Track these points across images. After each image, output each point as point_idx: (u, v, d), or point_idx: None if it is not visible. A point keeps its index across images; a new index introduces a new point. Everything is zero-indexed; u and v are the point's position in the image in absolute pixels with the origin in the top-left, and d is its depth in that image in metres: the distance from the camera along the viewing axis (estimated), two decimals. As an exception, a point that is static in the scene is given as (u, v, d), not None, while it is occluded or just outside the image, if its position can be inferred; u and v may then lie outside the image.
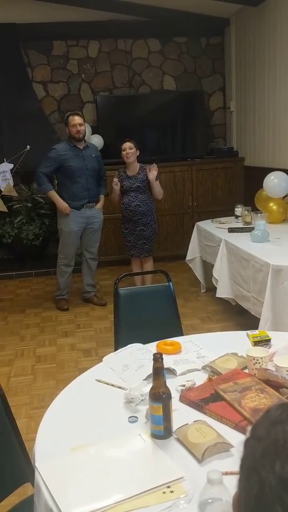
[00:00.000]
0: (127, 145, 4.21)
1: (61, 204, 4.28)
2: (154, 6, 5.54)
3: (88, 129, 5.25)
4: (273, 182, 4.16)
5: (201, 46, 6.36)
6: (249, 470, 0.62)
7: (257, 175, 4.68)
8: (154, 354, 1.24)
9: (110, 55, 6.17)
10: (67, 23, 5.74)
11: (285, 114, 4.83)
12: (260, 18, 5.20)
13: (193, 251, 4.65)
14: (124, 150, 4.21)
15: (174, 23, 5.93)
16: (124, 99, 6.13)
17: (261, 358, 1.52)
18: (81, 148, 4.31)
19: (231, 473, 1.10)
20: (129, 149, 4.21)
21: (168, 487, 1.05)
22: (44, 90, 6.13)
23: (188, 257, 4.70)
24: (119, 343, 2.13)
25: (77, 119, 4.20)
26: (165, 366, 1.58)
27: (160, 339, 1.85)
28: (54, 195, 4.30)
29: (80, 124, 4.20)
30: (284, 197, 4.25)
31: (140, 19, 5.81)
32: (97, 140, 5.52)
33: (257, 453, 0.62)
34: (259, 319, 2.97)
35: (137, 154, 4.27)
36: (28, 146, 4.67)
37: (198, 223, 4.67)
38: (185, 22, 5.93)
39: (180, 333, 2.21)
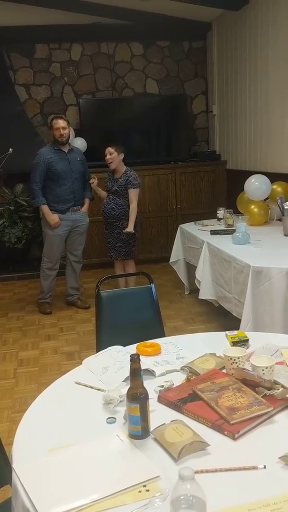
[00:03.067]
0: (108, 150, 4.25)
1: (51, 218, 4.26)
2: (137, 10, 5.58)
3: (71, 132, 5.25)
4: (254, 185, 4.21)
5: (184, 50, 6.42)
6: None
7: (239, 178, 4.73)
8: (131, 355, 1.26)
9: (93, 58, 6.19)
10: (50, 26, 5.74)
11: (265, 118, 4.90)
12: (241, 22, 5.26)
13: (177, 253, 4.68)
14: (105, 156, 4.25)
15: (156, 27, 5.97)
16: (107, 102, 6.15)
17: (238, 358, 1.54)
18: (66, 151, 4.31)
19: (207, 471, 1.12)
20: (109, 154, 4.24)
21: (144, 486, 1.07)
22: (27, 93, 6.12)
23: (171, 259, 4.73)
24: (101, 346, 2.13)
25: (60, 123, 4.19)
26: (145, 367, 1.60)
27: (142, 341, 1.87)
28: (45, 208, 4.27)
29: (64, 128, 4.20)
30: (265, 199, 4.30)
31: (122, 22, 5.84)
32: (80, 143, 5.52)
33: None
34: (241, 320, 3.00)
35: (121, 158, 4.28)
36: (10, 149, 4.68)
37: (181, 225, 4.70)
38: (168, 26, 5.98)
39: (162, 335, 2.23)
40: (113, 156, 4.23)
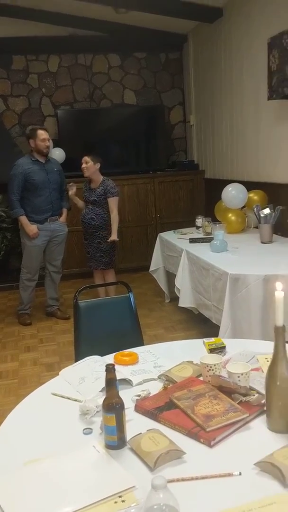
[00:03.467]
0: (84, 159, 4.29)
1: (30, 229, 4.25)
2: (113, 22, 5.63)
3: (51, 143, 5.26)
4: (231, 194, 4.26)
5: (161, 61, 6.49)
6: None
7: (217, 187, 4.78)
8: (106, 365, 1.25)
9: (70, 69, 6.22)
10: (27, 38, 5.75)
11: (241, 128, 4.98)
12: (216, 34, 5.36)
13: (156, 262, 4.69)
14: (81, 165, 4.28)
15: (133, 39, 6.03)
16: (85, 113, 6.17)
17: (214, 365, 1.55)
18: (44, 162, 4.31)
19: (183, 480, 1.12)
20: (85, 163, 4.27)
21: (120, 496, 1.06)
22: (4, 104, 6.10)
23: (151, 268, 4.74)
24: (79, 356, 2.12)
25: (45, 134, 4.25)
26: (122, 377, 1.60)
27: (121, 351, 1.86)
28: (24, 219, 4.26)
29: (48, 139, 4.27)
30: (242, 208, 4.35)
31: (99, 34, 5.89)
32: (58, 154, 5.52)
33: None
34: (220, 326, 3.02)
35: (97, 167, 4.30)
36: (-12, 160, 4.64)
37: (160, 234, 4.73)
38: (144, 38, 6.05)
39: (141, 344, 2.23)
40: (89, 165, 4.26)
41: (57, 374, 1.73)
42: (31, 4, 5.17)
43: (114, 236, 4.32)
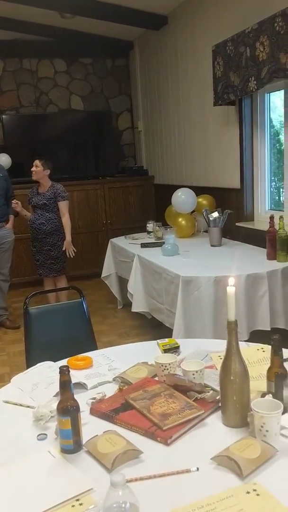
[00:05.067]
0: (35, 162, 4.24)
1: None
2: (59, 27, 5.59)
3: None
4: (181, 199, 4.32)
5: (107, 67, 6.51)
6: None
7: (166, 192, 4.84)
8: (60, 367, 1.23)
9: (15, 74, 6.11)
10: None
11: (189, 134, 5.06)
12: (162, 41, 5.43)
13: (108, 268, 4.67)
14: (31, 168, 4.21)
15: (79, 44, 6.02)
16: (32, 118, 6.08)
17: (169, 364, 1.55)
18: (-13, 168, 4.20)
19: (141, 479, 1.11)
20: (35, 166, 4.21)
21: (77, 500, 1.04)
22: None
23: (103, 274, 4.71)
24: (31, 364, 2.06)
25: None
26: (76, 381, 1.57)
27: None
28: None
29: None
30: (191, 212, 4.42)
31: (45, 39, 5.84)
32: (4, 159, 5.41)
33: None
34: (173, 329, 3.04)
35: (46, 174, 4.24)
36: None
37: (111, 239, 4.71)
38: (90, 44, 6.04)
39: (95, 349, 2.20)
40: (38, 169, 4.21)
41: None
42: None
43: (69, 238, 4.29)
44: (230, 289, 1.30)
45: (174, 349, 1.83)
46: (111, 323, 4.45)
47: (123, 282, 4.50)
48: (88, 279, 5.72)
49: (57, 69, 6.28)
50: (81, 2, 4.72)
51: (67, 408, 1.20)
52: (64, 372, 1.22)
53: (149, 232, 4.57)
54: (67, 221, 4.29)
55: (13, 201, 4.25)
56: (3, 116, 5.90)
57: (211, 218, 3.85)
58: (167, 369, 1.55)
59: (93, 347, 2.29)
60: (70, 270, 4.91)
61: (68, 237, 4.30)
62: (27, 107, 6.20)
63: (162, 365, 1.55)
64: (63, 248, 4.31)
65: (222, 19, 4.12)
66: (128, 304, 4.37)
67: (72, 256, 4.38)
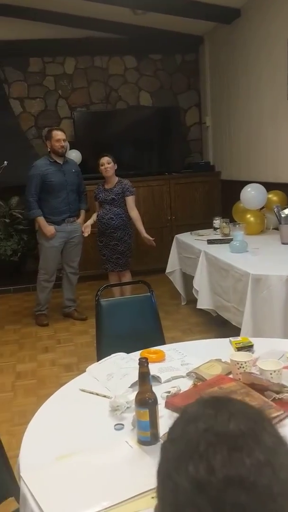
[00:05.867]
0: (105, 159, 4.23)
1: (48, 230, 4.26)
2: (129, 24, 5.64)
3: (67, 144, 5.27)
4: (250, 194, 4.23)
5: (176, 62, 6.48)
6: (164, 476, 0.57)
7: (233, 188, 4.75)
8: (139, 359, 1.24)
9: (87, 71, 6.24)
10: (44, 40, 5.79)
11: (258, 129, 4.94)
12: (233, 35, 5.34)
13: (173, 264, 4.66)
14: (102, 165, 4.23)
15: (149, 41, 6.04)
16: (101, 114, 6.18)
17: (245, 363, 1.52)
18: (61, 163, 4.32)
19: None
20: (107, 163, 4.23)
21: (157, 491, 1.04)
22: (21, 106, 6.14)
23: (168, 270, 4.71)
24: (101, 354, 2.10)
25: (60, 134, 4.23)
26: (151, 373, 1.58)
27: (143, 349, 1.84)
28: (41, 220, 4.26)
29: (64, 140, 4.25)
30: (261, 208, 4.32)
31: (115, 36, 5.91)
32: (75, 155, 5.53)
33: (171, 456, 0.56)
34: (240, 329, 2.99)
35: (115, 168, 4.29)
36: (5, 162, 4.67)
37: (177, 235, 4.70)
38: (160, 40, 6.05)
39: (163, 343, 2.21)
40: (111, 165, 4.24)
41: (76, 375, 1.71)
42: (48, 7, 5.21)
43: (145, 234, 4.30)
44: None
45: (248, 347, 1.80)
46: (174, 319, 4.45)
47: (187, 279, 4.48)
48: (152, 275, 5.73)
49: (127, 65, 6.34)
50: (154, -2, 4.73)
51: (146, 400, 1.21)
52: (143, 363, 1.22)
53: (215, 229, 4.50)
54: (138, 215, 4.32)
55: (84, 233, 4.29)
56: (74, 113, 6.04)
57: (283, 215, 3.74)
58: (243, 367, 1.52)
59: (161, 341, 2.30)
60: (133, 265, 4.95)
61: (142, 229, 4.31)
62: (97, 104, 6.31)
63: (238, 363, 1.53)
64: (151, 240, 4.29)
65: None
66: (192, 301, 4.35)
67: (154, 245, 4.38)
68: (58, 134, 4.23)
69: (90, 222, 4.32)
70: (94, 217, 4.38)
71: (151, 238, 4.32)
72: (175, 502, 0.54)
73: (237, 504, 0.51)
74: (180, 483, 0.53)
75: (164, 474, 0.57)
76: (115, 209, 4.29)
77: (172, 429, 0.60)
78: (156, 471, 0.59)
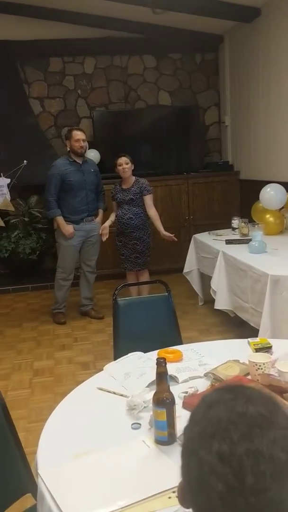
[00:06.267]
0: (123, 160, 4.23)
1: (66, 229, 4.28)
2: (149, 23, 5.63)
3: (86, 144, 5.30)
4: (270, 194, 4.19)
5: (196, 62, 6.46)
6: (188, 454, 0.63)
7: (253, 188, 4.71)
8: (157, 359, 1.23)
9: (106, 71, 6.25)
10: (63, 40, 5.82)
11: (278, 128, 4.89)
12: (253, 34, 5.29)
13: (190, 264, 4.65)
14: (120, 165, 4.23)
15: (168, 40, 6.02)
16: (120, 114, 6.19)
17: (264, 364, 1.51)
18: (81, 163, 4.34)
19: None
20: (125, 164, 4.23)
21: (174, 492, 1.04)
22: (41, 105, 6.18)
23: (185, 270, 4.69)
24: (118, 353, 2.11)
25: (80, 134, 4.25)
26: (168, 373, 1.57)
27: (160, 349, 1.84)
28: (60, 219, 4.29)
29: (83, 140, 4.26)
30: (280, 209, 4.27)
31: (135, 36, 5.91)
32: (93, 155, 5.55)
33: (195, 436, 0.63)
34: (258, 330, 2.96)
35: (132, 168, 4.29)
36: (24, 161, 4.70)
37: (195, 235, 4.68)
38: (180, 39, 6.02)
39: (180, 343, 2.20)
40: (128, 166, 4.24)
41: (93, 373, 1.72)
42: (68, 7, 5.24)
43: (164, 231, 4.29)
44: None
45: (266, 349, 1.78)
46: (191, 319, 4.43)
47: (205, 279, 4.45)
48: (169, 274, 5.72)
49: (146, 65, 6.34)
50: (174, -3, 4.71)
51: (163, 400, 1.21)
52: (161, 363, 1.22)
53: (234, 229, 4.47)
54: (156, 213, 4.32)
55: (103, 235, 4.28)
56: (93, 112, 6.07)
57: (302, 216, 3.69)
58: (261, 368, 1.51)
59: (179, 341, 2.30)
60: (151, 265, 4.96)
61: (161, 227, 4.31)
62: (116, 103, 6.32)
63: (256, 364, 1.51)
64: (172, 236, 4.29)
65: None
66: (209, 301, 4.33)
67: (176, 239, 4.36)
68: (77, 134, 4.24)
69: (108, 223, 4.32)
70: (112, 217, 4.38)
71: (170, 235, 4.30)
72: (200, 475, 0.60)
73: (258, 472, 0.57)
74: (204, 457, 0.60)
75: (189, 452, 0.64)
76: (134, 208, 4.29)
77: (194, 414, 0.67)
78: (181, 452, 0.66)
